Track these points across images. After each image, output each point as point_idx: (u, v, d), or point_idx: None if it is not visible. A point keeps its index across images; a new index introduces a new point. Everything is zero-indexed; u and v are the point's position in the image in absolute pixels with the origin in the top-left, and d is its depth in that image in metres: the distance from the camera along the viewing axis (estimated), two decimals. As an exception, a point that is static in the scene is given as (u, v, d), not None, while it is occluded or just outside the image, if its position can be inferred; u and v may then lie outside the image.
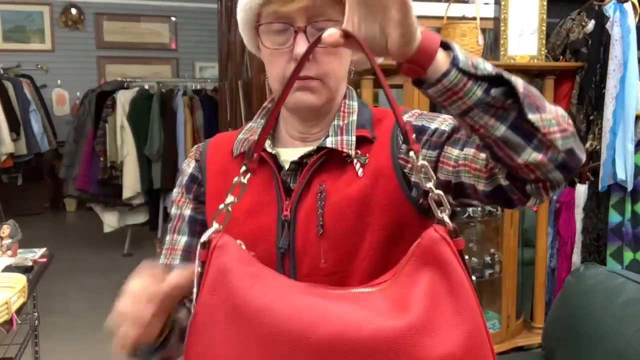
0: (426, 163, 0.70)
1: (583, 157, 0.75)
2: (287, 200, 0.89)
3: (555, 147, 0.71)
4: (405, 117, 0.93)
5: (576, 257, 2.58)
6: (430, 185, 0.70)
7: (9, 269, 2.12)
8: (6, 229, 2.31)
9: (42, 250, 2.44)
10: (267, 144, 0.93)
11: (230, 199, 0.73)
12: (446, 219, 0.70)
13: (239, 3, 0.91)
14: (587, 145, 2.42)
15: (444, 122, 0.87)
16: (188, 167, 1.01)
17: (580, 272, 1.52)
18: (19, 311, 1.84)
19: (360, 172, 0.89)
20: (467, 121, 0.71)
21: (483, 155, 0.77)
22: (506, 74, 0.69)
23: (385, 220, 0.87)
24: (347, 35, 0.68)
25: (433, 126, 0.88)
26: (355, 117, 0.94)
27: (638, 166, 2.35)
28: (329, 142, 0.90)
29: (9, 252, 2.28)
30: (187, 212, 0.98)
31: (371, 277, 0.85)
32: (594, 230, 2.49)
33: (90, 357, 3.21)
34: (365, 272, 0.86)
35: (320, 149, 0.90)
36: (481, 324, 0.67)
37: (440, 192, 0.70)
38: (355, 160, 0.90)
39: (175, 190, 1.01)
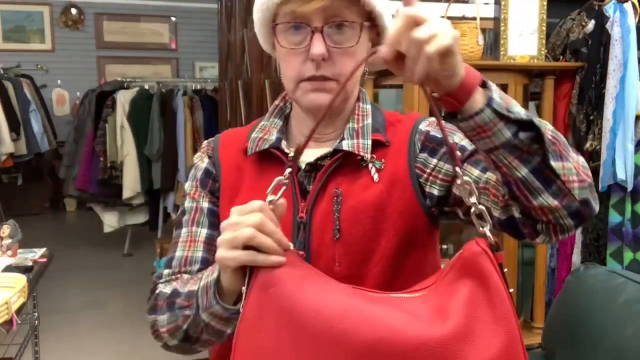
0: (470, 180, 0.72)
1: (597, 208, 0.76)
2: (302, 202, 0.89)
3: (571, 196, 0.73)
4: (423, 126, 0.94)
5: (576, 257, 2.57)
6: (473, 200, 0.72)
7: (9, 269, 2.12)
8: (6, 229, 2.30)
9: (42, 250, 2.44)
10: (284, 144, 0.93)
11: (270, 197, 0.74)
12: (488, 232, 0.71)
13: (256, 3, 0.92)
14: (587, 145, 2.41)
15: (464, 137, 0.87)
16: (202, 162, 1.00)
17: (580, 272, 1.52)
18: (19, 311, 1.84)
19: (375, 177, 0.89)
20: (492, 158, 0.73)
21: None
22: (537, 120, 0.71)
23: (400, 227, 0.88)
24: (398, 56, 0.68)
25: (453, 140, 0.88)
26: (370, 120, 0.94)
27: (638, 166, 2.34)
28: (345, 145, 0.90)
29: (9, 252, 2.28)
30: (205, 204, 0.97)
31: (383, 282, 0.86)
32: (594, 230, 2.49)
33: (90, 357, 3.21)
34: (378, 277, 0.86)
35: (336, 151, 0.91)
36: (517, 334, 0.69)
37: (482, 207, 0.72)
38: (370, 165, 0.90)
39: (189, 184, 1.00)
